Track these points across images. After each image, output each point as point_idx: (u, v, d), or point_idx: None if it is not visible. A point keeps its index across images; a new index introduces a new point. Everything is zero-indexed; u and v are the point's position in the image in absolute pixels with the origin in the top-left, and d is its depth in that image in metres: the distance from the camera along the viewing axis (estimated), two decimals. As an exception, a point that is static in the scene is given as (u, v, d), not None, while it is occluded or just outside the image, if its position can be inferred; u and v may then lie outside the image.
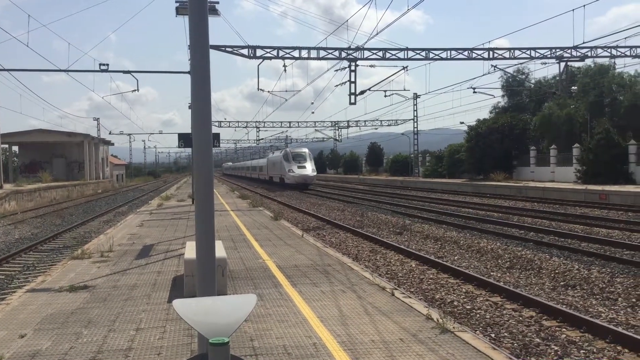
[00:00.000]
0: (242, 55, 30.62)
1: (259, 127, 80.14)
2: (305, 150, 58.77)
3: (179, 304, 2.52)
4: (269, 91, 39.60)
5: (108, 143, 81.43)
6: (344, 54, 31.52)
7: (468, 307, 9.22)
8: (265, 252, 13.04)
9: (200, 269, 4.41)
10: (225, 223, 20.14)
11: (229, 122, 78.27)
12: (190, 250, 8.74)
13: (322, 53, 31.62)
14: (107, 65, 31.77)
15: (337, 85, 35.74)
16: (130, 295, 8.82)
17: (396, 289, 9.05)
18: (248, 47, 30.38)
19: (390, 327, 6.75)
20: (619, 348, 6.98)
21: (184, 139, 21.09)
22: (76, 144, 66.02)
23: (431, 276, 11.81)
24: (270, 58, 31.08)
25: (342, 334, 6.49)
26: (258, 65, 31.76)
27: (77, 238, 20.43)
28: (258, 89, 36.79)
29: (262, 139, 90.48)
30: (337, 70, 34.42)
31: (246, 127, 79.61)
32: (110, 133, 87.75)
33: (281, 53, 31.18)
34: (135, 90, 35.09)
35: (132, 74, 33.08)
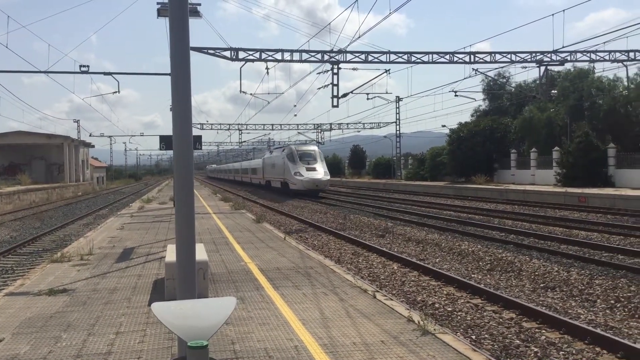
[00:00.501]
0: (225, 57, 30.49)
1: (241, 130, 79.79)
2: (315, 148, 47.37)
3: (157, 307, 2.50)
4: (251, 93, 39.46)
5: (88, 145, 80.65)
6: (326, 57, 31.52)
7: (449, 309, 9.27)
8: (247, 255, 13.00)
9: (181, 272, 4.38)
10: (207, 226, 20.05)
11: (211, 124, 77.69)
12: (171, 253, 8.68)
13: (305, 55, 31.59)
14: (88, 66, 31.45)
15: (319, 88, 35.77)
16: (110, 298, 8.74)
17: (378, 291, 9.07)
18: (230, 49, 30.28)
19: (372, 329, 6.76)
20: (598, 349, 7.05)
21: (165, 141, 20.93)
22: (56, 146, 65.29)
23: (413, 278, 11.86)
24: (252, 60, 30.99)
25: (323, 336, 6.49)
26: (240, 68, 31.64)
27: (57, 241, 20.21)
28: (240, 91, 36.64)
29: (244, 141, 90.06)
30: (319, 73, 34.43)
31: (229, 129, 79.20)
32: (90, 135, 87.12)
33: (264, 55, 31.11)
34: (116, 92, 34.80)
35: (113, 75, 32.79)
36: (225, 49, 30.35)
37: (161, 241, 15.80)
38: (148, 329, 6.96)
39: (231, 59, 30.48)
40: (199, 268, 8.10)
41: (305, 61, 31.78)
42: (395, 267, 13.15)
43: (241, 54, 30.63)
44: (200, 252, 8.93)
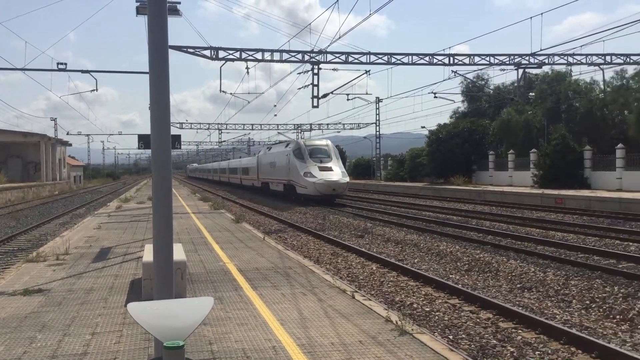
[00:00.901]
0: (205, 56, 30.36)
1: (221, 129, 79.46)
2: (328, 142, 38.04)
3: (133, 307, 2.48)
4: (231, 93, 39.27)
5: (65, 144, 79.69)
6: (307, 57, 31.53)
7: (427, 309, 9.32)
8: (226, 255, 12.95)
9: (158, 271, 4.35)
10: (185, 225, 19.93)
11: (191, 123, 77.24)
12: (148, 253, 8.61)
13: (285, 56, 31.57)
14: (66, 64, 31.07)
15: (300, 88, 35.73)
16: (86, 299, 8.64)
17: (357, 291, 9.09)
18: (210, 48, 30.15)
19: (350, 329, 6.77)
20: (573, 349, 7.14)
21: (144, 140, 20.69)
22: (32, 145, 64.37)
23: (391, 279, 11.91)
24: (232, 60, 30.89)
25: (301, 336, 6.48)
26: (220, 67, 31.55)
27: (32, 241, 19.94)
28: (220, 90, 36.53)
29: (224, 141, 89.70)
30: (300, 73, 34.43)
31: (208, 129, 78.77)
32: (68, 133, 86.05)
33: (244, 55, 31.02)
34: (94, 90, 34.43)
35: (91, 73, 32.48)
36: (205, 48, 30.22)
37: (139, 241, 15.66)
38: (125, 329, 6.90)
39: (211, 58, 30.36)
40: (177, 268, 8.06)
41: (286, 61, 31.77)
42: (374, 268, 13.19)
43: (221, 53, 30.52)
44: (178, 252, 8.87)
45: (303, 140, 38.98)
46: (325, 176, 33.35)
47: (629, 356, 6.59)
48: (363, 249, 15.69)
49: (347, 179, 34.55)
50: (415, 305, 9.57)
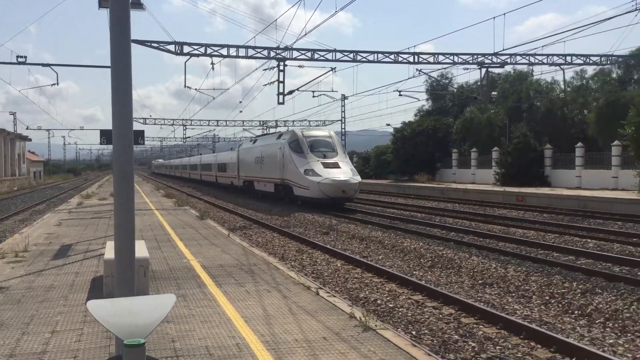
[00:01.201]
0: (169, 51, 30.00)
1: (185, 125, 78.64)
2: (331, 133, 31.25)
3: (93, 305, 2.44)
4: (196, 89, 38.95)
5: (25, 139, 77.78)
6: (272, 54, 31.44)
7: (391, 305, 9.40)
8: (190, 252, 12.83)
9: (119, 269, 4.29)
10: (149, 222, 19.70)
11: (155, 119, 76.29)
12: (110, 250, 8.48)
13: (251, 52, 31.42)
14: (25, 57, 30.38)
15: (265, 85, 35.62)
16: (46, 296, 8.47)
17: (321, 288, 9.12)
18: (175, 43, 29.81)
19: (314, 326, 6.79)
20: (533, 344, 7.28)
21: (106, 136, 20.36)
22: (-10, 139, 62.71)
23: (356, 275, 11.97)
24: (197, 55, 30.61)
25: (266, 333, 6.48)
26: (185, 62, 31.26)
27: (-10, 238, 19.43)
28: (185, 86, 36.21)
29: (188, 137, 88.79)
30: (265, 70, 34.30)
31: (172, 124, 77.88)
32: (27, 128, 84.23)
33: (209, 50, 30.75)
34: (54, 84, 33.72)
35: (52, 67, 31.78)
36: (169, 43, 29.87)
37: (101, 238, 15.41)
38: (85, 327, 6.78)
39: (175, 53, 30.03)
40: (140, 265, 7.96)
41: (251, 57, 31.63)
42: (339, 264, 13.25)
43: (186, 48, 30.21)
44: (141, 249, 8.77)
45: (301, 130, 30.85)
46: (332, 175, 26.68)
47: (586, 350, 6.75)
48: (328, 246, 15.74)
49: (358, 178, 27.69)
50: (379, 302, 9.64)
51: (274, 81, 32.50)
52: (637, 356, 6.91)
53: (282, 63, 31.53)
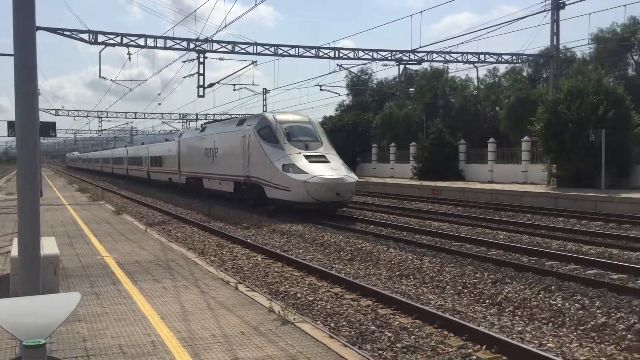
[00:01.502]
0: (82, 40, 28.86)
1: (101, 117, 75.91)
2: (310, 118, 25.16)
3: (-8, 304, 2.31)
4: (112, 80, 37.69)
5: None
6: (192, 45, 30.88)
7: (310, 298, 9.47)
8: (105, 248, 12.43)
9: (24, 266, 4.09)
10: (61, 218, 18.91)
11: (68, 110, 73.17)
12: (16, 247, 8.07)
13: (170, 43, 30.73)
14: None
15: (185, 77, 34.94)
16: (-55, 298, 7.96)
17: (240, 282, 9.07)
18: (89, 31, 28.71)
19: (233, 321, 6.74)
20: (445, 332, 7.52)
21: (14, 127, 19.46)
22: None
23: (276, 269, 11.98)
24: (113, 45, 29.64)
25: (182, 330, 6.37)
26: (100, 52, 30.24)
27: None
28: (100, 77, 35.02)
29: (104, 129, 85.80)
30: (185, 62, 33.67)
31: (87, 116, 75.03)
32: None
33: (125, 40, 29.83)
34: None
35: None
36: (83, 31, 28.75)
37: (8, 234, 14.66)
38: (-11, 329, 6.43)
39: (89, 42, 28.96)
40: (49, 262, 7.62)
41: (170, 48, 30.98)
42: (260, 259, 13.21)
43: (100, 38, 29.18)
44: (51, 246, 8.39)
45: (272, 114, 24.38)
46: (321, 172, 20.49)
47: (495, 337, 7.06)
48: (249, 240, 15.66)
49: (355, 176, 22.15)
50: (299, 295, 9.69)
51: (194, 73, 32.00)
52: (543, 342, 7.28)
53: (202, 55, 31.05)
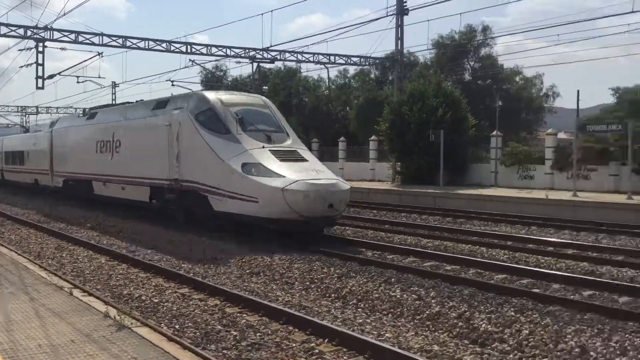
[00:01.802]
0: None
1: None
2: (264, 98, 19.08)
3: None
4: None
5: None
6: (29, 33, 28.58)
7: (156, 300, 9.12)
8: None
9: None
10: None
11: None
12: None
13: (4, 29, 28.20)
14: None
15: (22, 67, 32.23)
16: None
17: (77, 287, 8.52)
18: None
19: (63, 328, 6.29)
20: (291, 328, 7.58)
21: None
22: None
23: (121, 271, 11.43)
24: None
25: (4, 341, 5.83)
26: None
27: None
28: None
29: None
30: (22, 50, 31.12)
31: None
32: None
33: (-50, 24, 26.96)
34: None
35: None
36: None
37: None
38: None
39: None
40: None
41: (5, 36, 28.45)
42: (103, 261, 12.52)
43: None
44: None
45: (214, 93, 17.51)
46: (303, 174, 14.10)
47: (337, 330, 7.24)
48: (92, 242, 14.84)
49: (348, 186, 15.36)
50: (144, 297, 9.29)
51: (32, 63, 29.64)
52: (382, 332, 7.58)
53: (40, 44, 28.84)
